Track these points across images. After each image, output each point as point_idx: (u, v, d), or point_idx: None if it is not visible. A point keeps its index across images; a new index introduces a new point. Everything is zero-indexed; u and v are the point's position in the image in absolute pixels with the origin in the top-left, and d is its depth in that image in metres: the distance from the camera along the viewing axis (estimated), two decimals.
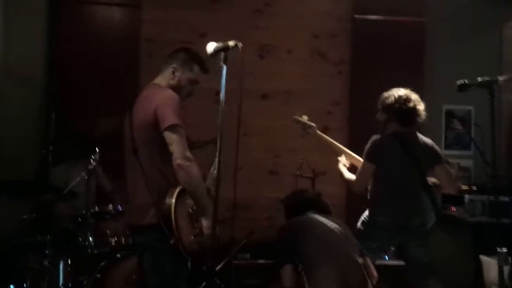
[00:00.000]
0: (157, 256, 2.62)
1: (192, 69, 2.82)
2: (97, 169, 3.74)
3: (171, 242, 2.52)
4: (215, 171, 2.45)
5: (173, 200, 2.55)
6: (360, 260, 2.99)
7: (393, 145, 3.45)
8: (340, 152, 3.83)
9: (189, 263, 2.71)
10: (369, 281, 2.96)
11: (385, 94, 3.54)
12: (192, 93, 2.87)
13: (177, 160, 2.52)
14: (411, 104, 3.45)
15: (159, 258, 2.62)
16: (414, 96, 3.49)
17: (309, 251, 2.95)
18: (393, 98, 3.48)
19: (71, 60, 4.70)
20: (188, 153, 2.54)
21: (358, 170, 3.57)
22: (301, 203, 3.26)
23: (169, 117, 2.56)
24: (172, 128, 2.55)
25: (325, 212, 3.23)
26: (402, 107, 3.45)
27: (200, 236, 2.62)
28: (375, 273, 3.09)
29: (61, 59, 4.73)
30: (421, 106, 3.49)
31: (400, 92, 3.50)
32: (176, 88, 2.77)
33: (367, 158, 3.47)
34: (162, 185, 2.61)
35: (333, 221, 3.10)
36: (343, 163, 3.77)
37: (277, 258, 3.07)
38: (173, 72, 2.78)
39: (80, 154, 4.04)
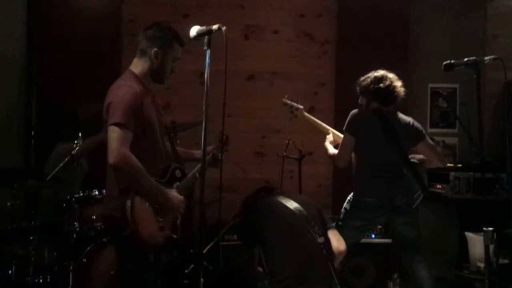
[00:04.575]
0: (118, 245, 2.65)
1: (174, 47, 2.72)
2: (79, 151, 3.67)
3: (125, 233, 2.50)
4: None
5: (132, 193, 2.52)
6: (321, 240, 2.95)
7: (372, 121, 3.47)
8: (327, 133, 3.84)
9: (152, 255, 2.65)
10: (329, 261, 2.93)
11: (361, 78, 3.58)
12: (174, 70, 2.78)
13: (109, 159, 2.47)
14: (387, 82, 3.47)
15: (120, 247, 2.65)
16: (390, 75, 3.50)
17: (268, 235, 2.95)
18: (369, 80, 3.52)
19: (52, 41, 4.60)
20: (122, 151, 2.46)
21: (340, 144, 3.60)
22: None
23: (114, 115, 2.50)
24: (114, 125, 2.49)
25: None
26: (379, 86, 3.47)
27: (165, 230, 2.62)
28: (341, 247, 3.05)
29: (41, 41, 4.63)
30: (398, 83, 3.50)
31: (375, 73, 3.52)
32: (158, 70, 2.70)
33: (347, 131, 3.51)
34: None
35: (297, 200, 3.07)
36: (330, 140, 3.80)
37: (245, 240, 3.09)
38: (156, 56, 2.68)
39: (63, 138, 3.98)
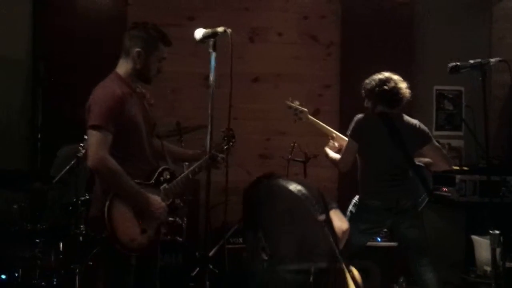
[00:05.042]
0: (100, 247, 2.66)
1: (158, 47, 2.68)
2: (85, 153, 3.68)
3: (103, 235, 2.47)
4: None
5: (111, 195, 2.48)
6: (322, 217, 2.88)
7: (377, 125, 3.46)
8: (331, 136, 3.83)
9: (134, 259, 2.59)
10: (331, 238, 2.86)
11: (366, 80, 3.56)
12: (161, 69, 2.73)
13: (89, 162, 2.48)
14: (392, 84, 3.45)
15: (102, 249, 2.65)
16: (395, 77, 3.49)
17: (269, 216, 2.92)
18: (373, 83, 3.50)
19: (57, 44, 4.62)
20: (100, 154, 2.45)
21: (342, 149, 3.59)
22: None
23: (93, 117, 2.50)
24: (91, 128, 2.49)
25: None
26: (384, 88, 3.45)
27: (146, 233, 2.56)
28: (343, 227, 3.04)
29: (47, 43, 4.65)
30: (403, 85, 3.48)
31: (380, 75, 3.50)
32: (142, 71, 2.66)
33: (351, 137, 3.50)
34: None
35: (297, 181, 3.00)
36: (330, 145, 3.78)
37: (247, 225, 3.07)
38: (138, 56, 2.63)
39: (69, 141, 3.98)
